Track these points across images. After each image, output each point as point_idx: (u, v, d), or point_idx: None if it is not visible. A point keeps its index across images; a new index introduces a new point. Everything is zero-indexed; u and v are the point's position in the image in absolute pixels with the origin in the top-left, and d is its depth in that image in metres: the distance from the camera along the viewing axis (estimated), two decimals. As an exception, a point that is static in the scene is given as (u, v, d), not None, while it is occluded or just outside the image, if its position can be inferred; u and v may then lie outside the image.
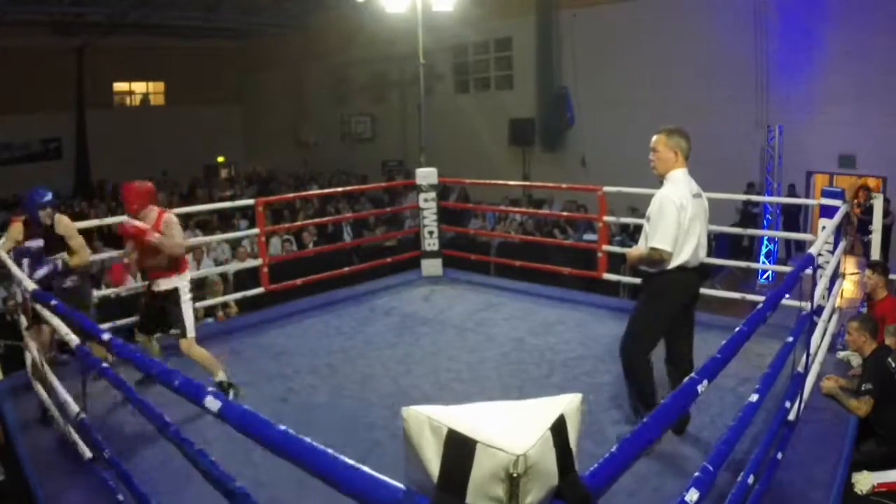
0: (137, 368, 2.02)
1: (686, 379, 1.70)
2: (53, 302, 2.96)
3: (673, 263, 3.26)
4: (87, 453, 3.16)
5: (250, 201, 6.73)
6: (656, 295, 3.38)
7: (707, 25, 11.70)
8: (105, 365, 3.05)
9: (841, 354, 4.51)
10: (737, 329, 2.12)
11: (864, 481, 3.49)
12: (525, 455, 1.03)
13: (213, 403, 1.54)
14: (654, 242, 3.24)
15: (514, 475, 1.03)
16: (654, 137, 3.49)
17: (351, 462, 1.19)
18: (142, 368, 1.97)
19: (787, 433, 3.28)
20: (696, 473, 1.79)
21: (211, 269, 7.93)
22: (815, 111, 10.72)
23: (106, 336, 2.32)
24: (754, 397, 2.48)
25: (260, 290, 5.84)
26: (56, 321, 3.78)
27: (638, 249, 3.47)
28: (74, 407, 3.21)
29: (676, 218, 3.21)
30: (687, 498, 1.65)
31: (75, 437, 3.28)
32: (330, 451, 1.24)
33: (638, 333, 3.40)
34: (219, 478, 2.01)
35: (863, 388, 3.74)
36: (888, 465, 3.60)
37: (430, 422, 1.09)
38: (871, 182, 10.96)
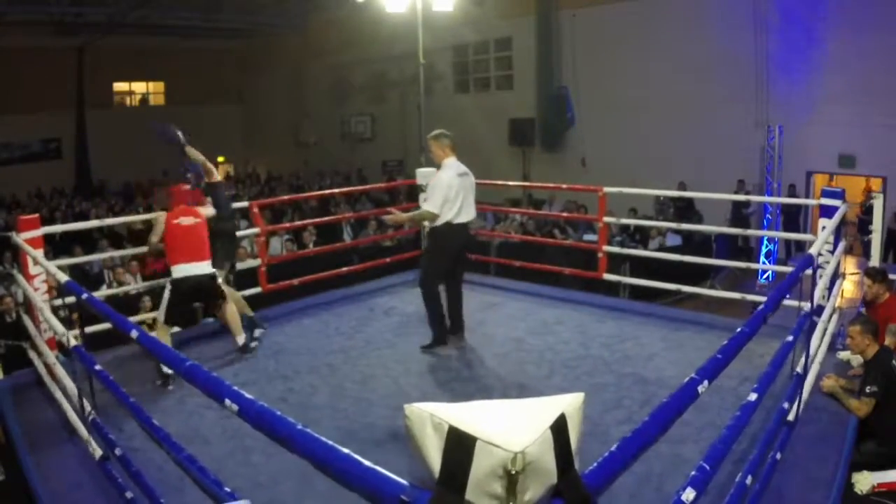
0: (165, 363, 2.01)
1: (686, 380, 1.70)
2: (85, 296, 2.97)
3: (442, 220, 4.66)
4: (98, 452, 3.16)
5: (246, 203, 6.72)
6: (435, 242, 4.85)
7: (707, 25, 11.70)
8: (98, 367, 3.05)
9: (841, 355, 4.51)
10: (738, 330, 2.11)
11: (864, 481, 3.49)
12: (523, 452, 1.04)
13: (232, 405, 1.60)
14: (426, 206, 4.72)
15: (513, 472, 1.03)
16: (429, 142, 4.92)
17: (357, 458, 1.21)
18: (170, 364, 1.96)
19: (787, 433, 3.28)
20: (693, 472, 1.79)
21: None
22: (815, 111, 10.72)
23: (134, 333, 2.31)
24: (753, 396, 2.48)
25: (258, 290, 5.84)
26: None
27: (407, 214, 5.07)
28: (87, 406, 3.21)
29: (444, 192, 4.63)
30: (683, 497, 1.66)
31: (87, 435, 3.28)
32: (338, 446, 1.27)
33: (428, 271, 4.85)
34: (208, 484, 2.02)
35: (867, 391, 3.73)
36: (888, 466, 3.59)
37: (431, 419, 1.10)
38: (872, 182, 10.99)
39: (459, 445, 1.06)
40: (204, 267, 4.62)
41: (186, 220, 4.64)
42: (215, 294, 4.74)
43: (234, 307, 4.86)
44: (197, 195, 4.93)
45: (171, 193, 4.82)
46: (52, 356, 4.15)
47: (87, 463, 3.27)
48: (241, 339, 4.84)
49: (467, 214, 4.80)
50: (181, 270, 4.54)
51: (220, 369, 4.60)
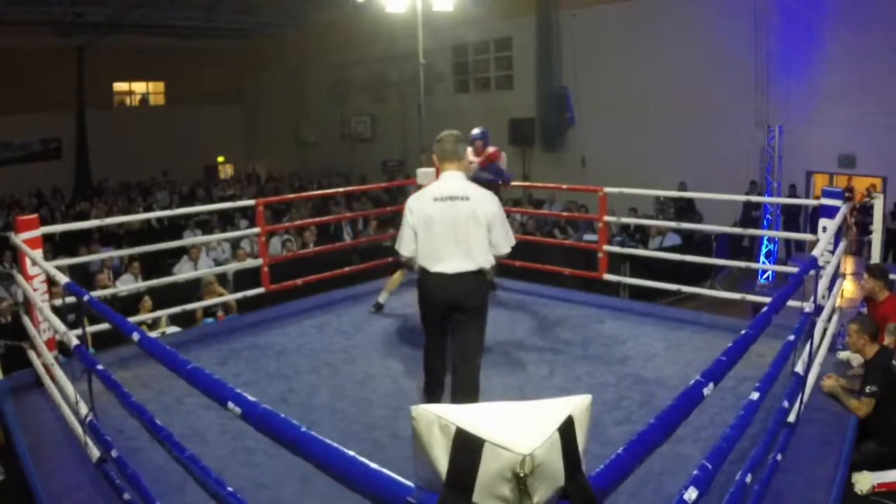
0: (165, 366, 2.00)
1: (692, 383, 1.69)
2: (86, 297, 2.96)
3: (417, 264, 3.37)
4: (96, 454, 3.16)
5: (251, 202, 6.72)
6: (418, 295, 3.48)
7: (707, 25, 11.71)
8: (100, 367, 3.05)
9: (841, 354, 4.51)
10: (742, 332, 2.11)
11: (864, 481, 3.49)
12: (532, 455, 1.03)
13: (235, 407, 1.59)
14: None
15: (521, 475, 1.03)
16: None
17: (363, 460, 1.21)
18: (170, 367, 1.96)
19: (787, 434, 3.28)
20: (695, 472, 1.79)
21: (209, 269, 7.92)
22: (815, 111, 10.73)
23: (136, 336, 2.30)
24: (755, 395, 2.48)
25: (260, 290, 5.84)
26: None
27: None
28: (84, 407, 3.20)
29: (407, 222, 3.33)
30: (686, 496, 1.65)
31: (85, 437, 3.27)
32: (342, 448, 1.27)
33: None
34: (210, 483, 2.01)
35: (867, 390, 3.73)
36: (888, 466, 3.60)
37: (438, 420, 1.09)
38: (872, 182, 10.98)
39: (467, 447, 1.05)
40: None
41: None
42: None
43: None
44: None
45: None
46: (51, 357, 4.15)
47: (87, 464, 3.26)
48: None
49: (454, 262, 3.24)
50: None
51: (220, 370, 4.60)
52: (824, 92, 10.56)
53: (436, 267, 3.27)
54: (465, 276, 3.26)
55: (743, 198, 8.76)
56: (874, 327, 4.03)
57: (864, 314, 4.72)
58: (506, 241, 3.40)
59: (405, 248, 3.36)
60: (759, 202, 10.86)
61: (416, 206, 3.32)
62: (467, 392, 3.32)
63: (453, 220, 3.24)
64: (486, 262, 3.31)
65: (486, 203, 3.31)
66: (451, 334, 3.40)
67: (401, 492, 1.13)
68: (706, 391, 1.66)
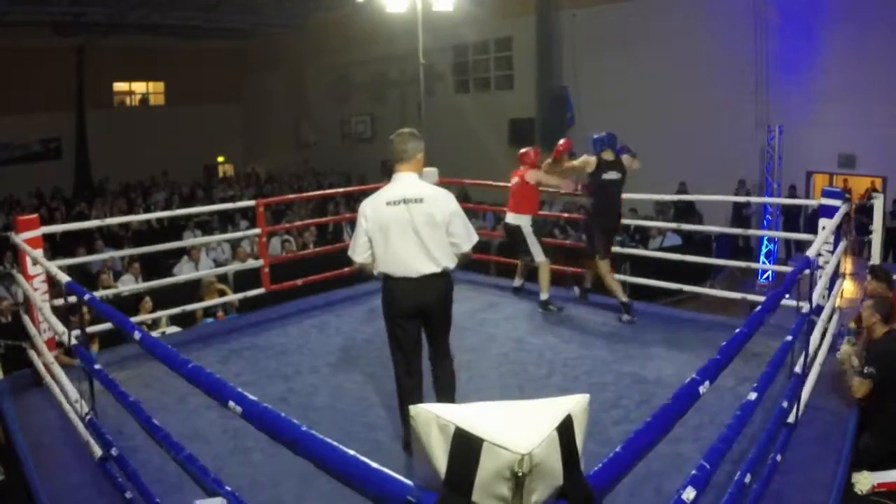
0: (166, 365, 2.00)
1: (688, 381, 1.70)
2: (87, 297, 2.97)
3: (377, 270, 3.29)
4: (97, 452, 3.16)
5: (251, 202, 6.72)
6: (382, 303, 3.40)
7: (707, 25, 11.72)
8: (98, 367, 3.05)
9: (842, 350, 4.50)
10: (737, 330, 2.12)
11: (864, 481, 3.49)
12: (530, 454, 1.04)
13: (236, 406, 1.59)
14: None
15: (520, 474, 1.03)
16: None
17: (363, 459, 1.23)
18: (171, 366, 1.96)
19: (787, 434, 3.29)
20: (693, 471, 1.79)
21: (210, 269, 7.93)
22: (815, 111, 10.74)
23: (137, 335, 2.30)
24: (753, 395, 2.48)
25: (261, 290, 5.84)
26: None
27: None
28: (84, 406, 3.21)
29: (362, 227, 3.24)
30: (684, 496, 1.66)
31: (87, 436, 3.28)
32: (343, 447, 1.28)
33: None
34: (208, 483, 2.01)
35: (865, 371, 3.71)
36: (886, 462, 3.60)
37: (437, 420, 1.10)
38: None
39: (466, 447, 1.05)
40: (511, 217, 5.85)
41: (513, 180, 5.95)
42: (518, 243, 5.83)
43: (547, 270, 5.74)
44: (533, 158, 6.04)
45: (518, 155, 6.15)
46: (51, 356, 4.15)
47: (87, 463, 3.27)
48: (543, 295, 5.69)
49: (417, 266, 3.19)
50: (506, 217, 5.95)
51: (221, 370, 4.60)
52: (824, 92, 10.56)
53: (399, 272, 3.22)
54: (429, 279, 3.22)
55: (744, 199, 8.76)
56: (888, 309, 3.99)
57: (882, 295, 4.64)
58: (467, 238, 3.29)
59: (358, 254, 3.29)
60: (754, 203, 10.87)
61: (371, 213, 3.22)
62: (449, 391, 3.47)
63: (410, 224, 3.17)
64: (449, 262, 3.27)
65: (441, 202, 3.22)
66: (427, 342, 3.41)
67: (400, 491, 1.14)
68: (702, 389, 1.67)
